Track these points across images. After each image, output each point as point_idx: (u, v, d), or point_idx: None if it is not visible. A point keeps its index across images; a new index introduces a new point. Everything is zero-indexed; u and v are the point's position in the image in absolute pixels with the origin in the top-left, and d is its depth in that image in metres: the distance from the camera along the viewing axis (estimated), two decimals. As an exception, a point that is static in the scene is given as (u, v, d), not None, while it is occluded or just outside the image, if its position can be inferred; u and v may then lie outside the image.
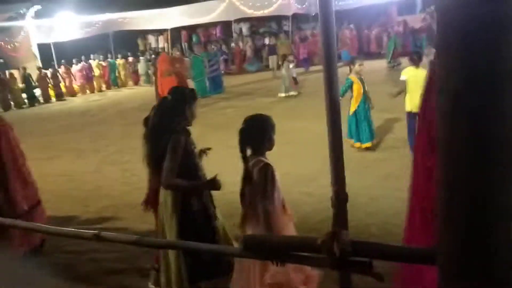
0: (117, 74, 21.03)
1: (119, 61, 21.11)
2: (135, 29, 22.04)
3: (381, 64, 15.93)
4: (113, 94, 18.93)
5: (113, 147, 9.25)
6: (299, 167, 6.38)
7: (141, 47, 23.82)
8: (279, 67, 16.88)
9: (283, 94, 12.38)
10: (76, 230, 3.49)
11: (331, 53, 1.92)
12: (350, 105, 6.92)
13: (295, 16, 21.46)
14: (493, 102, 1.21)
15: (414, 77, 6.23)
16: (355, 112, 6.94)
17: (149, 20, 21.25)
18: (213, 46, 16.80)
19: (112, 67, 20.94)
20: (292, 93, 12.34)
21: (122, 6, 20.32)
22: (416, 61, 6.42)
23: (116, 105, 15.21)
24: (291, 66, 12.68)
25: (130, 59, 21.33)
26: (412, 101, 6.11)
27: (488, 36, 1.22)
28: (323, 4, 1.88)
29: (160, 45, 22.69)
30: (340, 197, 1.94)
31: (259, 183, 2.75)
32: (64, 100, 18.64)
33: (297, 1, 20.20)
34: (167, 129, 3.03)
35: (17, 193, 4.25)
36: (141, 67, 21.02)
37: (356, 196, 4.70)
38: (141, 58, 21.37)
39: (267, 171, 2.75)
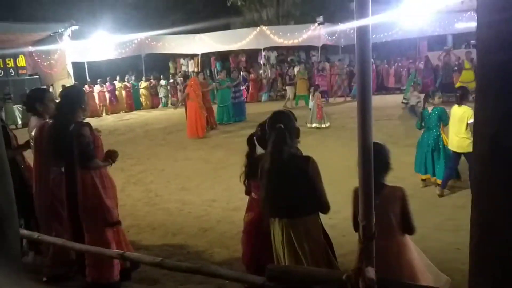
0: (140, 96, 21.20)
1: (143, 83, 21.25)
2: (166, 52, 22.56)
3: (396, 99, 15.74)
4: (139, 115, 19.26)
5: (139, 166, 9.37)
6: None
7: (171, 70, 24.26)
8: (294, 96, 17.13)
9: (312, 125, 11.94)
10: (101, 248, 3.53)
11: (366, 86, 1.91)
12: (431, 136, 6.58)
13: (324, 47, 21.62)
14: None
15: (454, 115, 6.23)
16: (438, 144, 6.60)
17: (180, 44, 21.76)
18: (237, 73, 16.78)
19: (135, 89, 21.11)
20: (323, 125, 11.89)
21: (156, 28, 20.85)
22: (458, 99, 6.28)
23: (143, 126, 15.45)
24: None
25: (153, 81, 21.52)
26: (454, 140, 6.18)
27: None
28: (361, 36, 1.89)
29: (190, 69, 23.08)
30: (367, 233, 1.90)
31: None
32: (96, 117, 18.98)
33: (327, 32, 20.39)
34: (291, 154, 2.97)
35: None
36: (161, 90, 21.30)
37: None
38: (162, 81, 21.59)
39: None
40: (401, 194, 2.79)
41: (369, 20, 1.82)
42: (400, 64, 19.68)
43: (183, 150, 10.62)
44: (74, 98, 3.97)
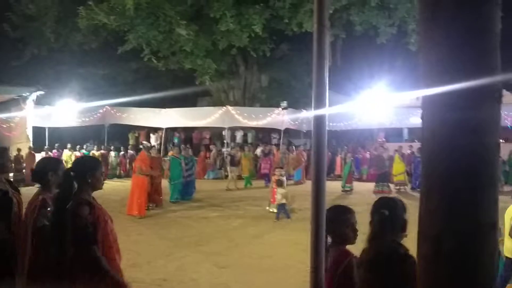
0: None
1: (94, 153, 20.15)
2: (131, 124, 22.62)
3: (336, 186, 16.08)
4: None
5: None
6: (277, 284, 6.19)
7: (131, 141, 24.12)
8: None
9: (270, 209, 11.49)
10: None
11: (321, 171, 1.97)
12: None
13: (286, 131, 22.27)
14: (474, 251, 1.22)
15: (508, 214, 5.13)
16: None
17: (145, 117, 21.99)
18: (189, 150, 16.34)
19: None
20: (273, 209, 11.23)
21: (124, 97, 20.94)
22: None
23: (100, 196, 14.95)
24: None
25: (104, 152, 20.77)
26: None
27: (471, 190, 1.26)
28: (317, 124, 1.97)
29: (153, 142, 23.05)
30: None
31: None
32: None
33: (290, 117, 21.10)
34: None
35: None
36: (111, 160, 20.90)
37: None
38: (111, 152, 21.13)
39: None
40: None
41: (326, 110, 1.93)
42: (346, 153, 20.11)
43: (137, 224, 10.30)
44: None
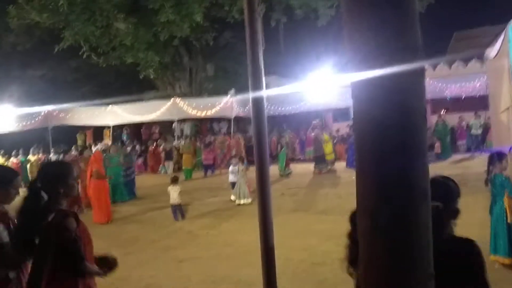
0: (29, 173, 17.67)
1: (31, 158, 19.04)
2: (76, 124, 21.85)
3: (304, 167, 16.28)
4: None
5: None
6: (238, 270, 6.21)
7: (79, 142, 23.30)
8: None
9: (238, 201, 11.15)
10: None
11: (263, 156, 1.96)
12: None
13: (238, 119, 22.23)
14: (408, 222, 1.25)
15: None
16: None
17: (90, 116, 21.27)
18: (127, 147, 15.64)
19: (23, 165, 18.28)
20: (245, 200, 11.11)
21: (65, 100, 20.15)
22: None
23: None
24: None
25: (41, 155, 19.60)
26: None
27: (402, 163, 1.29)
28: (255, 109, 1.96)
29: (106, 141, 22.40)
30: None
31: None
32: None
33: (239, 104, 21.06)
34: None
35: None
36: None
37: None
38: (51, 155, 19.49)
39: None
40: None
41: (264, 92, 1.92)
42: (279, 137, 20.06)
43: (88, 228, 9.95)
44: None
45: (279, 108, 19.99)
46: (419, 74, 1.32)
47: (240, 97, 21.19)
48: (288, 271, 5.88)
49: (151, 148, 20.61)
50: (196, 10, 17.68)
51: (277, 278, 2.17)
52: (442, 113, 20.75)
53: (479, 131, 18.12)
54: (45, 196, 2.82)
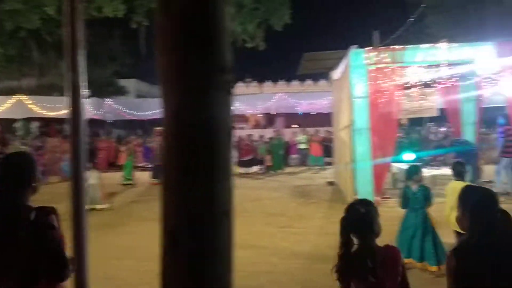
0: None
1: None
2: None
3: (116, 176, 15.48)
4: None
5: None
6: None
7: None
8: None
9: (95, 206, 10.39)
10: None
11: (79, 161, 1.90)
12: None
13: (93, 122, 21.06)
14: (208, 239, 1.29)
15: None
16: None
17: None
18: None
19: None
20: (103, 206, 10.68)
21: None
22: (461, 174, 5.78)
23: None
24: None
25: None
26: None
27: (206, 183, 1.33)
28: (73, 113, 1.88)
29: None
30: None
31: None
32: None
33: (93, 106, 20.03)
34: None
35: None
36: None
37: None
38: None
39: None
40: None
41: (83, 95, 1.87)
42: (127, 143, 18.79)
43: None
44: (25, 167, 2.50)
45: (135, 113, 19.47)
46: (226, 92, 1.36)
47: (94, 99, 20.19)
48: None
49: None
50: (49, 2, 16.32)
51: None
52: (276, 129, 22.33)
53: (306, 146, 19.67)
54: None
